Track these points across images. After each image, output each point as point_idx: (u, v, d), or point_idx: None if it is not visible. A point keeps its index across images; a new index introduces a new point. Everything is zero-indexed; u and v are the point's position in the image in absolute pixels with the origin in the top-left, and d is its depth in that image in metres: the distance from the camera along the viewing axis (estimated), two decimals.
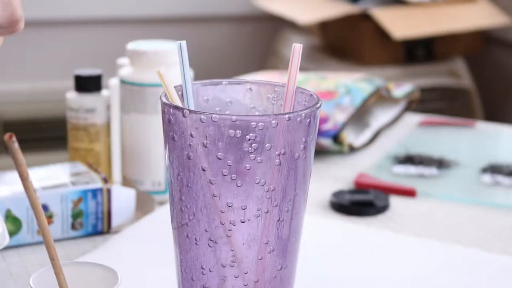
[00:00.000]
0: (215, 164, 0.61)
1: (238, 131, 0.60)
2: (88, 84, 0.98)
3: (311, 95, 0.66)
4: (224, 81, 0.69)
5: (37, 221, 0.57)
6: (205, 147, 0.61)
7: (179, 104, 0.63)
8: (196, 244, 0.64)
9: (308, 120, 0.62)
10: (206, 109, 0.68)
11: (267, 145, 0.61)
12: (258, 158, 0.61)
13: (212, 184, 0.62)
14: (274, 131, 0.61)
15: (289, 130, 0.61)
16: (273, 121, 0.60)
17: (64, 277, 0.60)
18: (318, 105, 0.64)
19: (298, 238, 0.66)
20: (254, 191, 0.62)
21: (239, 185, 0.62)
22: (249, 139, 0.61)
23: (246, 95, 0.69)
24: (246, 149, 0.61)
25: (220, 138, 0.61)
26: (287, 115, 0.61)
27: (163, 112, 0.64)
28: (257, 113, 0.69)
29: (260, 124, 0.60)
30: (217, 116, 0.60)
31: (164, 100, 0.63)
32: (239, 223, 0.62)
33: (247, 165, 0.61)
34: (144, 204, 0.92)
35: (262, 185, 0.62)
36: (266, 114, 0.63)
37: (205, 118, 0.61)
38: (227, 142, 0.61)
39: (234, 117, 0.60)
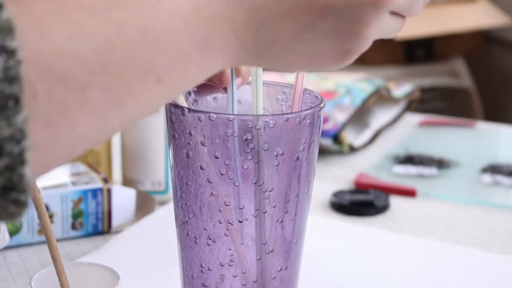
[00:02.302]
0: (213, 163, 0.61)
1: (235, 130, 0.60)
2: None
3: (316, 96, 0.66)
4: None
5: (40, 221, 0.57)
6: (203, 145, 0.61)
7: (182, 102, 0.64)
8: (195, 242, 0.64)
9: (308, 121, 0.62)
10: (215, 108, 0.68)
11: (265, 145, 0.61)
12: (256, 158, 0.61)
13: (210, 182, 0.62)
14: (271, 131, 0.61)
15: (288, 131, 0.61)
16: (271, 122, 0.60)
17: (66, 277, 0.60)
18: (319, 107, 0.63)
19: (300, 240, 0.66)
20: (251, 191, 0.62)
21: (236, 184, 0.62)
22: (246, 139, 0.61)
23: None
24: (244, 149, 0.61)
25: (217, 137, 0.61)
26: (285, 116, 0.61)
27: (166, 111, 0.64)
28: (267, 114, 0.68)
29: (257, 124, 0.60)
30: (215, 115, 0.61)
31: None
32: (237, 223, 0.62)
33: (245, 165, 0.61)
34: (144, 204, 0.92)
35: (260, 186, 0.62)
36: (264, 114, 0.63)
37: (203, 116, 0.61)
38: (224, 141, 0.61)
39: (231, 116, 0.61)
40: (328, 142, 1.11)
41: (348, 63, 0.53)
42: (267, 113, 0.69)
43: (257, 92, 0.63)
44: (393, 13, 0.54)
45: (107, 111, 0.44)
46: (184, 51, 0.47)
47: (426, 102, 2.23)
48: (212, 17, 0.48)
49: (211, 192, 0.62)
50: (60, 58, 0.42)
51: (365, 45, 0.53)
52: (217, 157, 0.61)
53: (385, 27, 0.53)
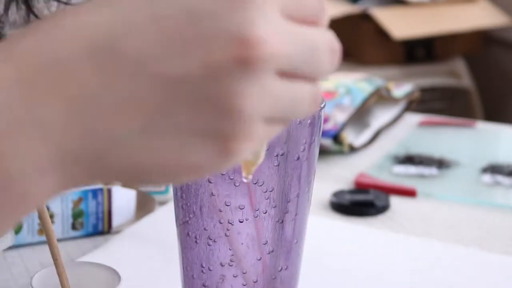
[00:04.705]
0: None
1: None
2: None
3: None
4: None
5: (41, 221, 0.57)
6: None
7: None
8: (196, 242, 0.64)
9: (308, 121, 0.62)
10: None
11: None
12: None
13: (210, 182, 0.62)
14: None
15: (288, 130, 0.61)
16: None
17: (66, 277, 0.60)
18: (320, 106, 0.63)
19: (300, 240, 0.66)
20: (252, 191, 0.62)
21: (237, 184, 0.62)
22: None
23: None
24: None
25: None
26: None
27: None
28: None
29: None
30: None
31: None
32: (237, 223, 0.62)
33: None
34: (144, 204, 0.92)
35: (260, 186, 0.62)
36: None
37: None
38: None
39: None
40: (328, 142, 1.11)
41: (234, 158, 0.38)
42: None
43: None
44: (284, 74, 0.38)
45: None
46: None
47: (426, 102, 2.23)
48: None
49: (212, 192, 0.62)
50: None
51: (249, 126, 0.37)
52: None
53: (277, 94, 0.38)
